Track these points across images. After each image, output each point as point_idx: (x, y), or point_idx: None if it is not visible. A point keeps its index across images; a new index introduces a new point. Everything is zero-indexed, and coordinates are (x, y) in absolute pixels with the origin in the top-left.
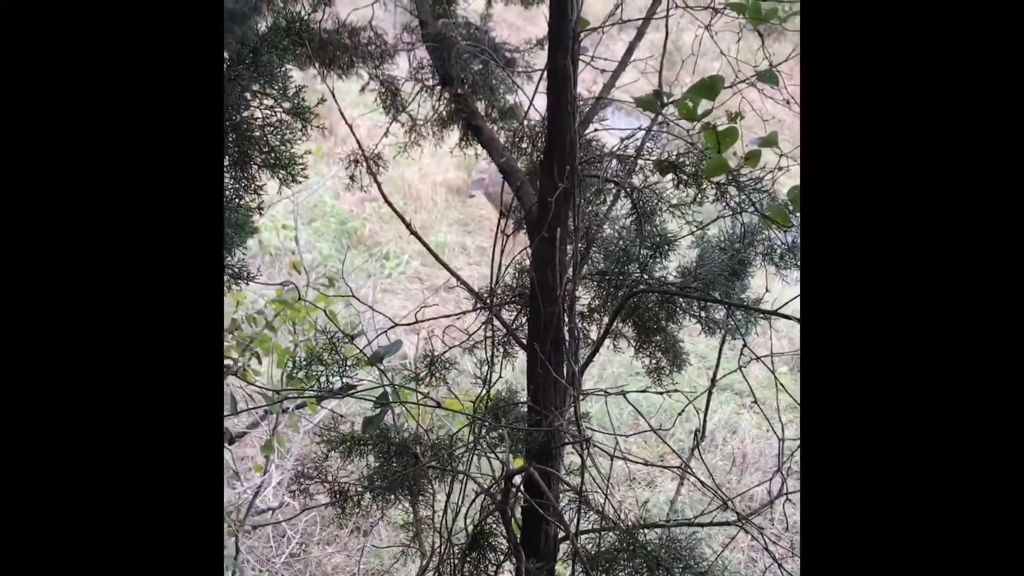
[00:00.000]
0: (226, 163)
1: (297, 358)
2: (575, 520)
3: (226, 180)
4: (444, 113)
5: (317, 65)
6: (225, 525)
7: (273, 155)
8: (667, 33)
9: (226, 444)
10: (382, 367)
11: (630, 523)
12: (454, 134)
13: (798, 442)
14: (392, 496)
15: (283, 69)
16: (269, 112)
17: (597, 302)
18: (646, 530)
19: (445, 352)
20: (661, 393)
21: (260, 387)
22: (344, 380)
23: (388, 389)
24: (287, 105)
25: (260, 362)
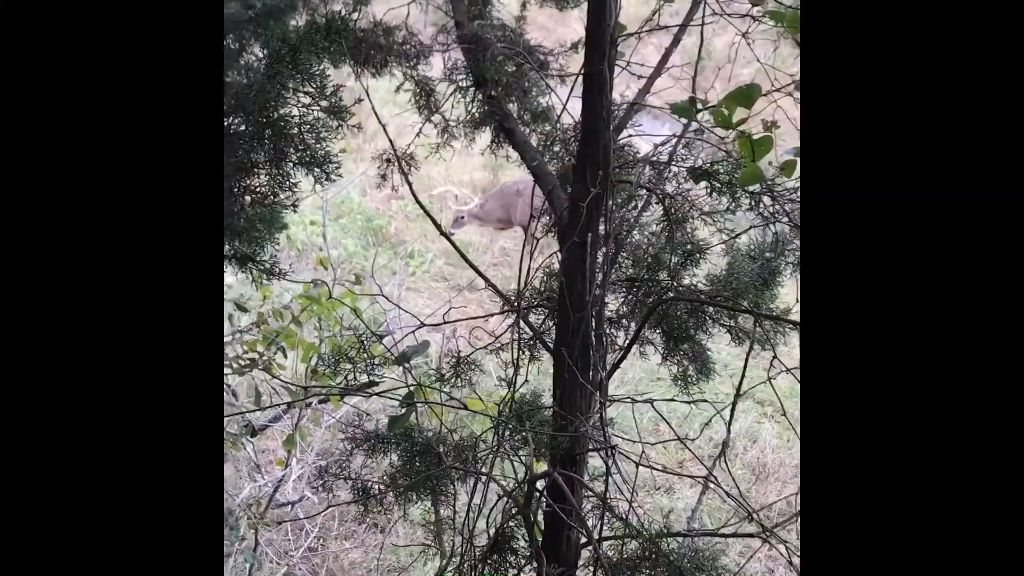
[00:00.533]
0: (262, 159)
1: (323, 354)
2: (598, 527)
3: (261, 177)
4: (477, 115)
5: (351, 63)
6: (246, 518)
7: (308, 153)
8: (702, 40)
9: (249, 437)
10: (408, 366)
11: (653, 531)
12: (485, 135)
13: None
14: (414, 495)
15: (321, 68)
16: (306, 110)
17: (625, 308)
18: (668, 539)
19: (471, 353)
20: (689, 403)
21: (285, 381)
22: (369, 377)
23: (413, 389)
24: (324, 104)
25: (285, 356)
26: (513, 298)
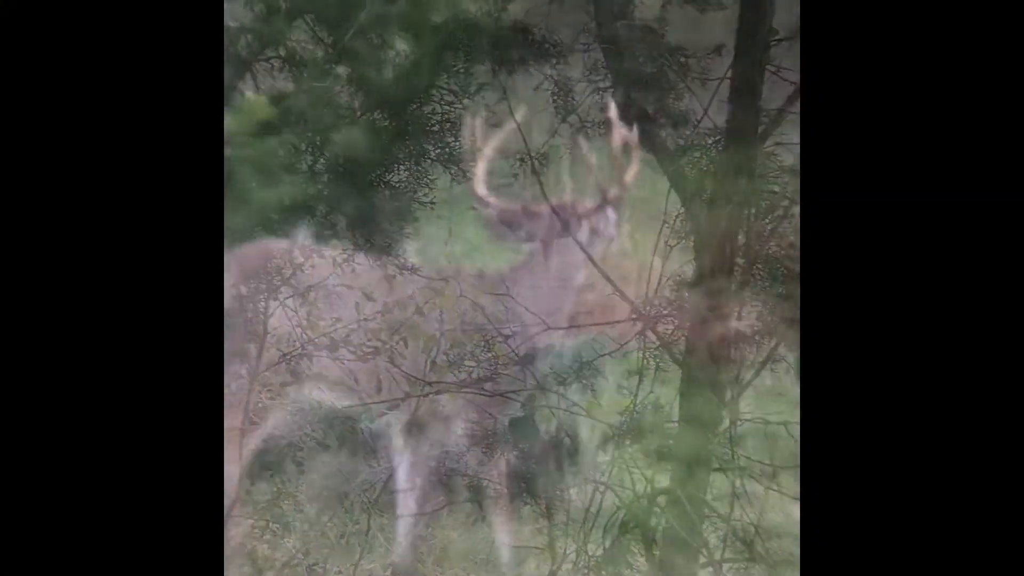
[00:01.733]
0: (402, 155)
1: (446, 352)
2: (721, 549)
3: (401, 173)
4: (613, 116)
5: (489, 61)
6: (359, 502)
7: (447, 150)
8: None
9: (367, 423)
10: (532, 368)
11: (776, 559)
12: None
13: None
14: (530, 498)
15: (467, 65)
16: (448, 108)
17: (760, 324)
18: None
19: (595, 359)
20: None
21: (405, 372)
22: (491, 375)
23: (534, 391)
24: (467, 102)
25: (407, 346)
26: (642, 305)
